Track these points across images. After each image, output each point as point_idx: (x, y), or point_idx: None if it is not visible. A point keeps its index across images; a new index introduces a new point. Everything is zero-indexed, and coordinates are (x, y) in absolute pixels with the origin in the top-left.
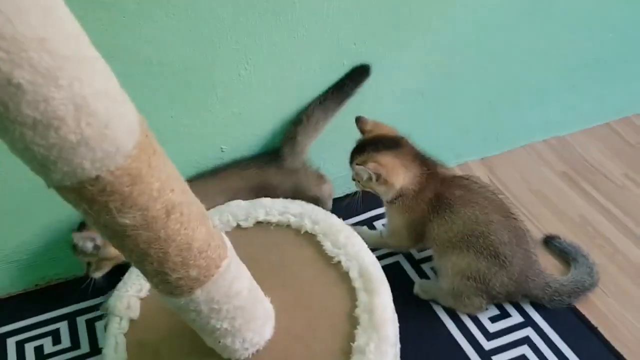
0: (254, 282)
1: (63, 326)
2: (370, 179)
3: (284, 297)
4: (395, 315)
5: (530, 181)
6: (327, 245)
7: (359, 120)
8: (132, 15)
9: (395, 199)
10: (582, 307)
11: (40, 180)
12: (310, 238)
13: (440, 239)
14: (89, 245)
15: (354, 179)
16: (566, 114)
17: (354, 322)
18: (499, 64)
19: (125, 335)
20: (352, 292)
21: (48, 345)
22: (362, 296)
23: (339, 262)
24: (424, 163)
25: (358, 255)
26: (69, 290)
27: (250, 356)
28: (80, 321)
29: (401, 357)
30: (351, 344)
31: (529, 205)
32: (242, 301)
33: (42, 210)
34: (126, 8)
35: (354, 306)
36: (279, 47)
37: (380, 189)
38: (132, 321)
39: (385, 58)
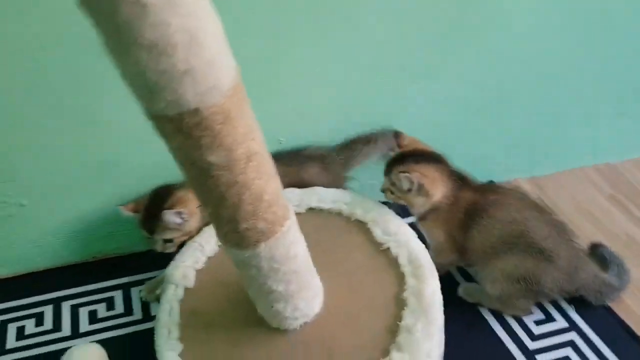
0: (308, 253)
1: (117, 295)
2: (410, 189)
3: (332, 278)
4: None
5: (578, 201)
6: (377, 233)
7: (397, 136)
8: None
9: (427, 214)
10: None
11: (107, 160)
12: (360, 225)
13: (482, 247)
14: (177, 220)
15: (385, 190)
16: (615, 140)
17: (401, 304)
18: (550, 84)
19: (180, 302)
20: (400, 277)
21: (102, 311)
22: (410, 281)
23: (388, 248)
24: (459, 179)
25: (408, 243)
26: (124, 263)
27: (298, 327)
28: (135, 291)
29: (445, 354)
30: (398, 322)
31: (576, 223)
32: (298, 266)
33: (106, 188)
34: None
35: (402, 290)
36: (344, 49)
37: (416, 201)
38: (186, 289)
39: (440, 67)
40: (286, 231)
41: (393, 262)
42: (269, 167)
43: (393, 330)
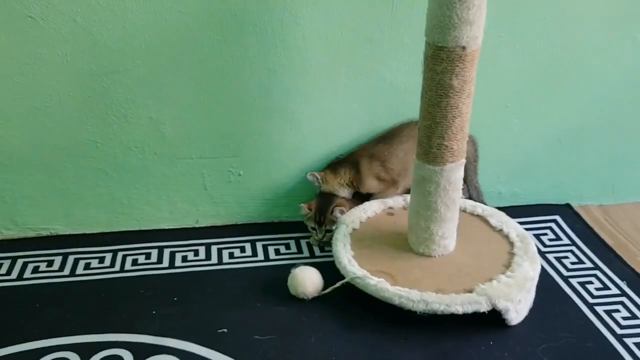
0: None
1: (291, 242)
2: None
3: (463, 242)
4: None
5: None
6: (493, 221)
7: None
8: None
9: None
10: None
11: (298, 146)
12: (479, 218)
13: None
14: (339, 215)
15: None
16: None
17: (512, 255)
18: (625, 123)
19: (350, 233)
20: (511, 244)
21: (282, 249)
22: (519, 244)
23: (501, 229)
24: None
25: (515, 227)
26: (294, 226)
27: (437, 256)
28: (303, 243)
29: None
30: (510, 260)
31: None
32: (457, 198)
33: (292, 167)
34: None
35: (512, 248)
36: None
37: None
38: (354, 229)
39: (536, 106)
40: (461, 164)
41: (505, 237)
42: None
43: (506, 265)
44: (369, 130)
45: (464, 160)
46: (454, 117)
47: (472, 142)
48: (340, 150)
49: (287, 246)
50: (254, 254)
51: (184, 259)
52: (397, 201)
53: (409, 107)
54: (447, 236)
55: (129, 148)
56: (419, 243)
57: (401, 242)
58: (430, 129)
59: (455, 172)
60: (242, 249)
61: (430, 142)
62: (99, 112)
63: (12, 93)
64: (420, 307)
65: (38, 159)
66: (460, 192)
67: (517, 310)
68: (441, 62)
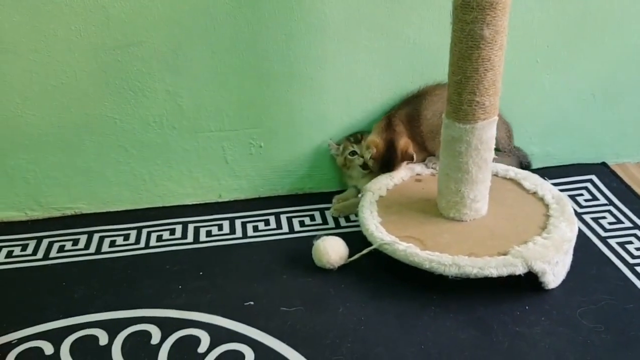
0: None
1: (316, 213)
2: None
3: (496, 206)
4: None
5: None
6: (526, 184)
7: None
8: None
9: None
10: None
11: (321, 115)
12: (512, 181)
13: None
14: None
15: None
16: None
17: (548, 217)
18: None
19: (376, 201)
20: (546, 206)
21: (307, 221)
22: (554, 206)
23: (535, 192)
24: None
25: (550, 190)
26: (316, 197)
27: (468, 220)
28: (327, 214)
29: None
30: (546, 222)
31: None
32: (489, 158)
33: (315, 137)
34: None
35: (548, 210)
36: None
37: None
38: (380, 196)
39: (568, 60)
40: (494, 122)
41: (540, 199)
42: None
43: (542, 227)
44: (392, 94)
45: (496, 118)
46: (485, 70)
47: (506, 128)
48: (363, 117)
49: (312, 217)
50: (279, 226)
51: (209, 233)
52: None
53: (435, 68)
54: (479, 199)
55: (147, 123)
56: (449, 207)
57: (430, 208)
58: (461, 84)
59: (487, 130)
60: (267, 222)
61: (461, 98)
62: (115, 87)
63: (28, 71)
64: (452, 271)
65: (58, 138)
66: (493, 152)
67: (554, 272)
68: (471, 11)
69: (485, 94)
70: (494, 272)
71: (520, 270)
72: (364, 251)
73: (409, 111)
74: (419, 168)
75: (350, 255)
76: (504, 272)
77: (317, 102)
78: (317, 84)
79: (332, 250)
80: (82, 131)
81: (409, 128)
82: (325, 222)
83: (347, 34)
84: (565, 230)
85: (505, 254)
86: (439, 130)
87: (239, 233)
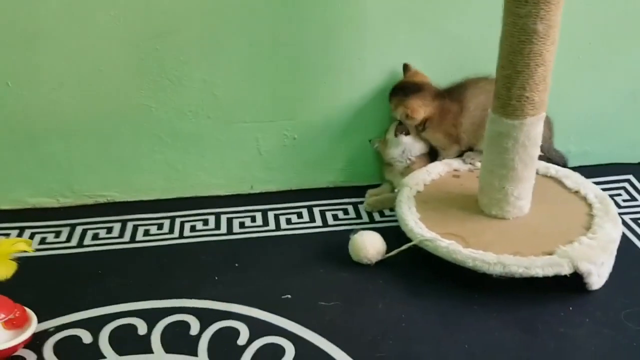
0: None
1: (349, 207)
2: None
3: (538, 204)
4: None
5: None
6: (568, 183)
7: (405, 67)
8: None
9: (425, 126)
10: None
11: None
12: (553, 179)
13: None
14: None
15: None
16: None
17: (591, 217)
18: None
19: (414, 197)
20: (589, 205)
21: (340, 215)
22: (598, 206)
23: (578, 191)
24: (441, 95)
25: (593, 189)
26: (349, 191)
27: (510, 218)
28: (361, 208)
29: None
30: (591, 222)
31: None
32: (535, 155)
33: (350, 126)
34: None
35: (591, 210)
36: None
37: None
38: (417, 192)
39: (609, 59)
40: (541, 118)
41: (582, 198)
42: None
43: (587, 227)
44: None
45: (544, 114)
46: (536, 65)
47: (548, 123)
48: None
49: (345, 211)
50: (312, 219)
51: (242, 225)
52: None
53: (475, 62)
54: (523, 197)
55: (182, 112)
56: (492, 204)
57: (470, 205)
58: (510, 79)
59: (535, 126)
60: (300, 215)
61: (510, 93)
62: (152, 76)
63: (65, 57)
64: (497, 270)
65: (93, 125)
66: (539, 149)
67: (599, 273)
68: (525, 5)
69: (535, 89)
70: (539, 272)
71: (566, 270)
72: (403, 247)
73: (447, 102)
74: (456, 163)
75: (387, 251)
76: (550, 272)
77: (353, 95)
78: (355, 77)
79: (370, 245)
80: (117, 119)
81: (442, 118)
82: (359, 216)
83: (386, 27)
84: (610, 231)
85: (550, 254)
86: (480, 124)
87: (272, 225)
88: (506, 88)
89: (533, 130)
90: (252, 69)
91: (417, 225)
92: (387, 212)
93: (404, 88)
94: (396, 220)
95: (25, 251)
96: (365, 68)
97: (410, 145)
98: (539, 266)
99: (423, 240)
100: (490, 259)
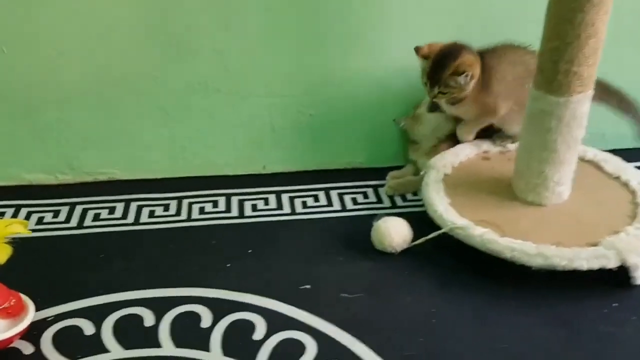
0: None
1: (369, 190)
2: (466, 82)
3: (577, 190)
4: None
5: None
6: (608, 167)
7: (417, 50)
8: None
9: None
10: None
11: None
12: (591, 163)
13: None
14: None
15: (433, 99)
16: None
17: (636, 205)
18: None
19: (442, 180)
20: (632, 192)
21: (360, 198)
22: None
23: (619, 177)
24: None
25: (637, 174)
26: (367, 173)
27: (548, 205)
28: (382, 192)
29: None
30: (636, 211)
31: None
32: (579, 133)
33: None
34: None
35: (634, 197)
36: None
37: (469, 87)
38: (445, 174)
39: None
40: (589, 96)
41: (624, 184)
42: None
43: (632, 216)
44: None
45: (592, 91)
46: (588, 36)
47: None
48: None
49: (365, 195)
50: (329, 203)
51: (254, 207)
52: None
53: (510, 30)
54: (563, 182)
55: (191, 84)
56: (529, 190)
57: (503, 189)
58: (558, 52)
59: (582, 104)
60: (316, 198)
61: (557, 67)
62: (160, 43)
63: (67, 21)
64: (537, 262)
65: (94, 95)
66: (584, 129)
67: None
68: None
69: (585, 63)
70: (584, 265)
71: (612, 263)
72: (432, 235)
73: (487, 65)
74: (486, 145)
75: (413, 239)
76: (595, 264)
77: (376, 68)
78: (378, 48)
79: (395, 232)
80: (120, 90)
81: (484, 83)
82: (379, 200)
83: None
84: None
85: (595, 245)
86: (516, 100)
87: (286, 209)
88: (552, 62)
89: (580, 108)
90: (268, 37)
91: (447, 211)
92: (409, 197)
93: (447, 55)
94: (420, 205)
95: (21, 233)
96: (390, 43)
97: (443, 123)
98: (584, 258)
99: (454, 228)
100: (530, 250)
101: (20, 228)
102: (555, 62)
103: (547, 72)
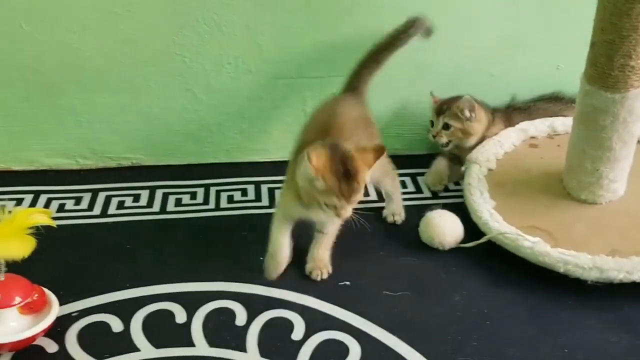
0: None
1: (407, 179)
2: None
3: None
4: None
5: None
6: None
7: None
8: None
9: None
10: None
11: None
12: None
13: None
14: (467, 114)
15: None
16: None
17: None
18: None
19: (485, 176)
20: None
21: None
22: None
23: None
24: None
25: None
26: (409, 161)
27: (604, 203)
28: (421, 180)
29: None
30: None
31: None
32: (635, 128)
33: (411, 86)
34: None
35: None
36: None
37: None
38: (489, 170)
39: None
40: None
41: None
42: None
43: None
44: (514, 41)
45: None
46: None
47: None
48: (472, 68)
49: (403, 184)
50: (365, 193)
51: None
52: (540, 128)
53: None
54: (619, 179)
55: (220, 64)
56: (582, 188)
57: (554, 185)
58: (613, 46)
59: (638, 99)
60: None
61: (612, 62)
62: (188, 19)
63: None
64: (592, 276)
65: (118, 77)
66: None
67: None
68: None
69: None
70: None
71: None
72: (481, 240)
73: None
74: (533, 129)
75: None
76: None
77: (416, 48)
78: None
79: (448, 230)
80: (145, 70)
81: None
82: (419, 190)
83: None
84: None
85: None
86: None
87: None
88: (607, 56)
89: (637, 104)
90: (304, 14)
91: (492, 218)
92: (451, 187)
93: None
94: (461, 197)
95: (45, 224)
96: (437, 17)
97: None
98: None
99: (501, 238)
100: (585, 263)
101: (44, 218)
102: (610, 57)
103: (601, 67)
